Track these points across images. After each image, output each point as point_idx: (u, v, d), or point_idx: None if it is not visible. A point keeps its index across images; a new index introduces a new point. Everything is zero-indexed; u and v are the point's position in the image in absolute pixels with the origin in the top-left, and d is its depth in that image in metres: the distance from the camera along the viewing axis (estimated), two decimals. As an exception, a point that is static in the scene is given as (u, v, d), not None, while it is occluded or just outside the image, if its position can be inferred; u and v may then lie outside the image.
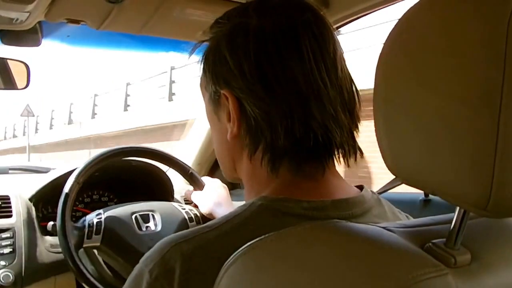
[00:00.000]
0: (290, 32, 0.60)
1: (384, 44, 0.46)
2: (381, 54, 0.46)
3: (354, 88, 0.63)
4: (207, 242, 0.55)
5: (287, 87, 0.58)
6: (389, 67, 0.45)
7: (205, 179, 1.30)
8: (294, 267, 0.45)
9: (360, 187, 0.65)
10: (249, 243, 0.47)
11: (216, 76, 0.63)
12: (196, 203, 1.27)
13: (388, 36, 0.46)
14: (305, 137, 0.58)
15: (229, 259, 0.48)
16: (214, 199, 1.22)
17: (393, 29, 0.45)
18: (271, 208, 0.58)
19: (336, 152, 0.61)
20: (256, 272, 0.46)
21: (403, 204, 0.73)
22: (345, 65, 0.63)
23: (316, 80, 0.59)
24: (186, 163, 1.34)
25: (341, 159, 0.62)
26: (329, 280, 0.43)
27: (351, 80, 0.64)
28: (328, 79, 0.59)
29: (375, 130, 0.46)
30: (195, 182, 1.30)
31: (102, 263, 1.16)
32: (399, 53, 0.44)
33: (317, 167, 0.61)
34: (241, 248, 0.47)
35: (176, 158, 1.34)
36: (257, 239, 0.47)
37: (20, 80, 1.31)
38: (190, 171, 1.31)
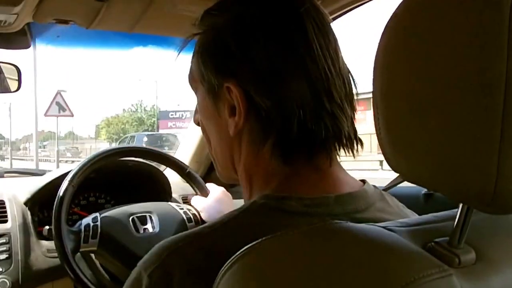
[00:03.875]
0: (295, 21, 0.59)
1: (381, 36, 0.44)
2: (378, 47, 0.44)
3: (351, 77, 0.62)
4: (207, 245, 0.54)
5: (299, 77, 0.57)
6: (387, 61, 0.44)
7: (210, 186, 1.28)
8: (291, 271, 0.43)
9: (363, 181, 0.64)
10: (245, 248, 0.46)
11: (219, 68, 0.61)
12: (198, 209, 1.24)
13: (385, 27, 0.44)
14: (317, 128, 0.57)
15: (225, 264, 0.46)
16: (217, 206, 1.21)
17: (390, 21, 0.44)
18: (273, 207, 0.57)
19: (343, 142, 0.60)
20: (253, 278, 0.45)
21: (406, 198, 0.71)
22: (341, 54, 0.62)
23: (324, 69, 0.58)
24: (184, 162, 1.32)
25: (345, 150, 0.61)
26: (327, 285, 0.41)
27: (348, 70, 0.63)
28: (333, 68, 0.58)
29: (375, 126, 0.45)
30: (193, 181, 1.28)
31: (100, 267, 1.14)
32: (397, 46, 0.43)
33: (326, 158, 0.60)
34: (237, 253, 0.46)
35: (173, 157, 1.32)
36: (252, 243, 0.46)
37: (12, 83, 1.29)
38: (187, 170, 1.28)
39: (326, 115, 0.57)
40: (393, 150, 0.44)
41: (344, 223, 0.47)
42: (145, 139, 19.14)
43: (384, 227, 0.47)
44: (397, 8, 0.43)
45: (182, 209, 1.23)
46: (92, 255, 1.13)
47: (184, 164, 1.31)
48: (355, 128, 0.61)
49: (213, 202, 1.22)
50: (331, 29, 0.61)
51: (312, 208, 0.56)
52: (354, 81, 0.63)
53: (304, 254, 0.44)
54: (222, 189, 1.25)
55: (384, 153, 0.45)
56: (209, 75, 0.62)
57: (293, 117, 0.57)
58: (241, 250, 0.46)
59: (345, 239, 0.46)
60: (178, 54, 0.67)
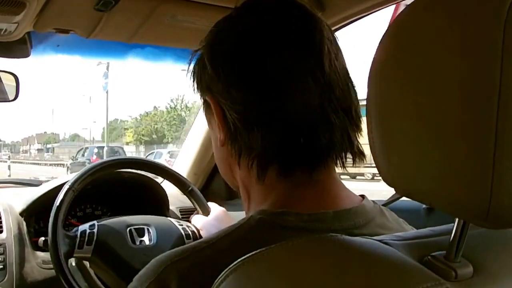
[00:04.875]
0: (270, 31, 0.58)
1: (376, 49, 0.44)
2: (373, 60, 0.44)
3: (350, 85, 0.60)
4: (204, 260, 0.53)
5: (264, 87, 0.56)
6: (382, 73, 0.43)
7: (211, 205, 1.26)
8: (285, 283, 0.43)
9: (362, 196, 0.63)
10: (240, 259, 0.45)
11: (201, 84, 0.63)
12: (198, 227, 1.23)
13: (380, 42, 0.44)
14: (286, 140, 0.56)
15: (220, 276, 0.46)
16: (217, 225, 1.19)
17: (385, 34, 0.44)
18: (270, 222, 0.56)
19: (328, 156, 0.58)
20: None
21: (406, 212, 0.70)
22: (338, 61, 0.59)
23: (297, 79, 0.56)
24: (186, 178, 1.30)
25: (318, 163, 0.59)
26: None
27: (346, 77, 0.60)
28: (311, 77, 0.56)
29: (368, 140, 0.45)
30: (195, 199, 1.26)
31: (95, 278, 1.13)
32: (392, 59, 0.42)
33: (304, 173, 0.58)
34: (232, 265, 0.46)
35: (176, 172, 1.30)
36: (247, 255, 0.46)
37: (10, 92, 1.28)
38: (190, 188, 1.26)
39: (298, 128, 0.56)
40: (387, 165, 0.43)
41: (340, 236, 0.47)
42: (95, 150, 19.94)
43: (380, 241, 0.47)
44: (391, 21, 0.43)
45: (182, 225, 1.22)
46: (87, 263, 1.12)
47: (187, 180, 1.29)
48: (351, 139, 0.59)
49: (213, 221, 1.21)
50: (319, 34, 0.58)
51: (310, 224, 0.55)
52: (354, 89, 0.60)
53: (298, 267, 0.44)
54: (222, 209, 1.24)
55: (378, 167, 0.44)
56: (198, 91, 0.64)
57: (257, 130, 0.56)
58: (235, 262, 0.45)
59: (340, 252, 0.45)
60: (188, 67, 0.66)
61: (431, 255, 0.44)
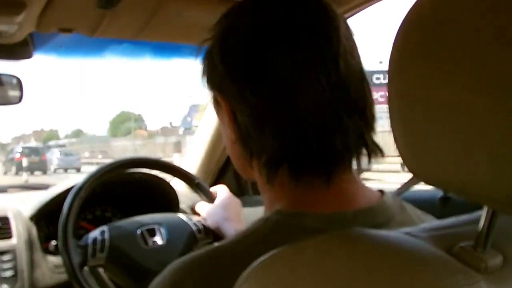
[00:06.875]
0: (284, 29, 0.55)
1: (397, 34, 0.42)
2: (393, 46, 0.42)
3: (364, 83, 0.58)
4: (220, 265, 0.52)
5: (277, 90, 0.54)
6: (402, 58, 0.41)
7: (218, 189, 1.24)
8: (312, 280, 0.41)
9: (381, 192, 0.61)
10: (263, 257, 0.44)
11: (211, 81, 0.61)
12: (202, 215, 1.21)
13: (401, 26, 0.42)
14: (297, 145, 0.54)
15: (241, 276, 0.44)
16: (222, 213, 1.17)
17: (406, 17, 0.41)
18: (287, 224, 0.54)
19: (343, 160, 0.56)
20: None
21: (421, 202, 0.69)
22: (354, 58, 0.57)
23: (310, 81, 0.53)
24: (192, 173, 1.30)
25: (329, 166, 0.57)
26: None
27: (361, 76, 0.58)
28: (325, 79, 0.53)
29: (391, 126, 0.43)
30: (202, 192, 1.25)
31: (109, 282, 1.11)
32: (412, 44, 0.40)
33: (321, 175, 0.55)
34: (254, 264, 0.44)
35: (182, 168, 1.30)
36: (271, 252, 0.44)
37: (14, 95, 1.26)
38: (197, 181, 1.26)
39: (311, 132, 0.53)
40: (410, 152, 0.42)
41: (366, 229, 0.45)
42: (20, 149, 22.09)
43: (406, 233, 0.45)
44: (411, 8, 0.41)
45: (191, 220, 1.21)
46: (101, 269, 1.10)
47: (193, 175, 1.29)
48: (365, 139, 0.57)
49: (218, 208, 1.18)
50: (336, 32, 0.56)
51: (329, 225, 0.53)
52: (369, 88, 0.58)
53: (324, 264, 0.42)
54: (229, 194, 1.21)
55: (402, 156, 0.42)
56: (207, 86, 0.62)
57: (269, 134, 0.54)
58: (257, 261, 0.44)
59: (366, 246, 0.43)
60: (195, 59, 0.65)
61: (460, 246, 0.43)
